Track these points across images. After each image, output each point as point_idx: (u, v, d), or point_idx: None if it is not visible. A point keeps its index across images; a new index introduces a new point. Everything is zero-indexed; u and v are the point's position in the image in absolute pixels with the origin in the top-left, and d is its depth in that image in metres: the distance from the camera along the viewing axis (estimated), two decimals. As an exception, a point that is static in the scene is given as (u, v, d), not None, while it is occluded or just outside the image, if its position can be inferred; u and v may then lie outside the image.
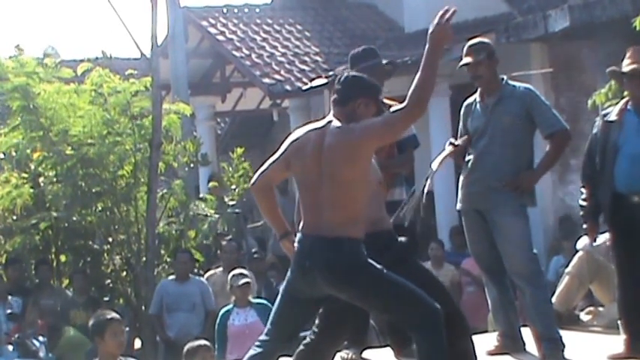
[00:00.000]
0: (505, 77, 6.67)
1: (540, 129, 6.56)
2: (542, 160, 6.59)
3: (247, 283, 9.89)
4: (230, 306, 9.92)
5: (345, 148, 5.18)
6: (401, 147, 6.74)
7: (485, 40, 6.85)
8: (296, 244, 5.36)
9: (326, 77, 14.43)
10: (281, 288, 5.54)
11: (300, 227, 5.37)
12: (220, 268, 11.72)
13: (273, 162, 5.41)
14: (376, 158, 6.27)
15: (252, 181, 5.46)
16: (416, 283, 5.27)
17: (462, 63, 6.60)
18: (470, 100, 6.79)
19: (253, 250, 14.30)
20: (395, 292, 5.19)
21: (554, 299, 7.61)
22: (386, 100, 6.89)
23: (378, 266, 5.20)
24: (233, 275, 10.04)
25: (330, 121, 5.34)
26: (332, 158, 5.20)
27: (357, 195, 5.21)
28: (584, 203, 6.69)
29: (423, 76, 4.99)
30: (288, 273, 5.43)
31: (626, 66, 6.48)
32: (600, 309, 7.82)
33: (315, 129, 5.36)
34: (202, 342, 8.47)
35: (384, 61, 6.69)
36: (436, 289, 5.55)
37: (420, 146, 6.83)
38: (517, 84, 6.67)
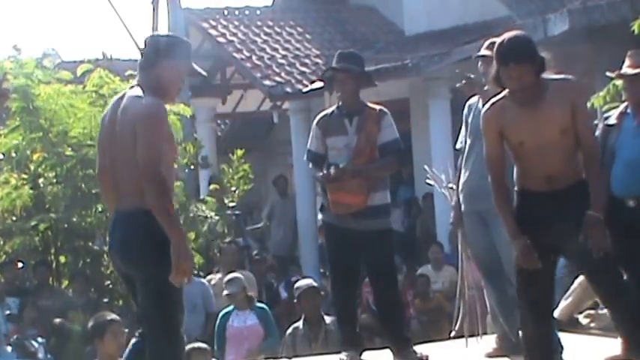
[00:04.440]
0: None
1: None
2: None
3: (229, 294, 9.82)
4: (230, 307, 9.93)
5: None
6: (382, 151, 6.80)
7: None
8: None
9: (320, 80, 14.45)
10: None
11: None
12: (219, 274, 11.69)
13: None
14: (355, 164, 6.41)
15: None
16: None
17: (480, 53, 6.66)
18: (472, 100, 6.86)
19: (254, 253, 14.31)
20: None
21: (559, 308, 7.61)
22: (370, 104, 6.99)
23: None
24: (224, 282, 10.07)
25: None
26: None
27: None
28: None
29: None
30: None
31: (627, 69, 6.48)
32: (599, 312, 7.82)
33: None
34: (199, 344, 8.45)
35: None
36: None
37: (403, 149, 6.97)
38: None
